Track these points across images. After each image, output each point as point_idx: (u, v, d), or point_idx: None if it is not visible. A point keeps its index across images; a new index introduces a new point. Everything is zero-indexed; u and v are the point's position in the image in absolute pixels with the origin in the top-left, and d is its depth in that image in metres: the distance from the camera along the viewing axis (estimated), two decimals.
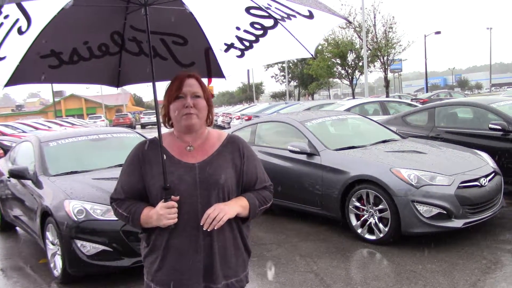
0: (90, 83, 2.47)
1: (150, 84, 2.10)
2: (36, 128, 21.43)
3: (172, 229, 1.86)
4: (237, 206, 1.89)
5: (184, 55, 2.32)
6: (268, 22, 2.13)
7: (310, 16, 2.11)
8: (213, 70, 2.32)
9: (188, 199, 1.86)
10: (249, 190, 2.00)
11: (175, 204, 1.82)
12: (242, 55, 2.21)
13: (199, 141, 1.97)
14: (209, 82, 2.56)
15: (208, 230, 1.80)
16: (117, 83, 2.40)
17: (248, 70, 65.89)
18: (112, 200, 2.00)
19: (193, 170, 1.90)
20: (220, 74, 2.34)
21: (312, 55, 2.21)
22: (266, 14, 2.12)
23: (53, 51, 2.06)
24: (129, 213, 1.92)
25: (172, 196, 1.83)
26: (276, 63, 49.15)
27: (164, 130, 2.03)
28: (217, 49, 2.24)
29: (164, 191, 1.84)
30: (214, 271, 1.90)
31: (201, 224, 1.81)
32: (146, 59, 2.23)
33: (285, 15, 2.10)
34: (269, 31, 2.15)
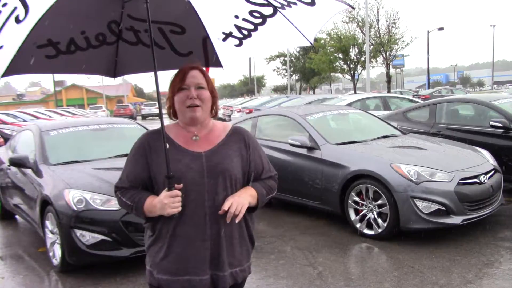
0: (86, 73, 2.42)
1: (151, 74, 2.08)
2: (37, 117, 21.41)
3: (179, 217, 1.86)
4: (248, 196, 1.92)
5: (182, 44, 2.29)
6: (267, 11, 2.12)
7: (312, 2, 2.10)
8: (211, 59, 2.30)
9: (195, 187, 1.87)
10: (256, 179, 2.02)
11: (179, 193, 1.82)
12: (240, 44, 2.18)
13: (204, 131, 1.99)
14: (207, 71, 2.57)
15: (228, 221, 1.84)
16: (114, 73, 2.37)
17: (249, 63, 65.83)
18: (116, 188, 2.01)
19: (199, 159, 1.91)
20: (218, 64, 2.31)
21: (311, 43, 2.19)
22: (266, 2, 2.10)
23: (50, 40, 2.01)
24: (133, 202, 1.92)
25: (176, 185, 1.82)
26: (278, 56, 48.97)
27: (167, 122, 2.03)
28: (215, 38, 2.21)
29: (167, 180, 1.83)
30: (221, 259, 1.91)
31: (219, 213, 1.83)
32: (143, 49, 2.22)
33: (285, 3, 2.09)
34: (268, 19, 2.13)
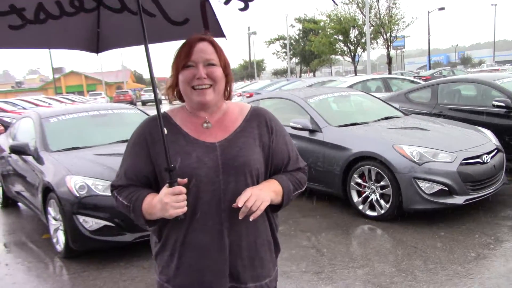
0: (63, 47, 1.99)
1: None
2: (36, 105, 21.33)
3: (190, 223, 1.54)
4: (271, 191, 1.58)
5: (176, 10, 1.89)
6: None
7: None
8: (211, 28, 1.90)
9: (209, 186, 1.53)
10: (280, 171, 1.69)
11: (183, 190, 1.47)
12: (246, 7, 1.79)
13: (217, 116, 1.63)
14: None
15: (240, 218, 1.51)
16: (97, 48, 1.98)
17: (249, 47, 65.37)
18: (112, 187, 1.67)
19: (213, 151, 1.56)
20: (220, 33, 1.94)
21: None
22: None
23: (12, 6, 1.66)
24: (130, 202, 1.58)
25: (179, 179, 1.48)
26: (278, 39, 48.60)
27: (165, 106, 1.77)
28: (216, 0, 1.85)
29: (168, 174, 1.49)
30: (242, 271, 1.61)
31: (233, 206, 1.49)
32: (130, 17, 1.85)
33: None
34: None
